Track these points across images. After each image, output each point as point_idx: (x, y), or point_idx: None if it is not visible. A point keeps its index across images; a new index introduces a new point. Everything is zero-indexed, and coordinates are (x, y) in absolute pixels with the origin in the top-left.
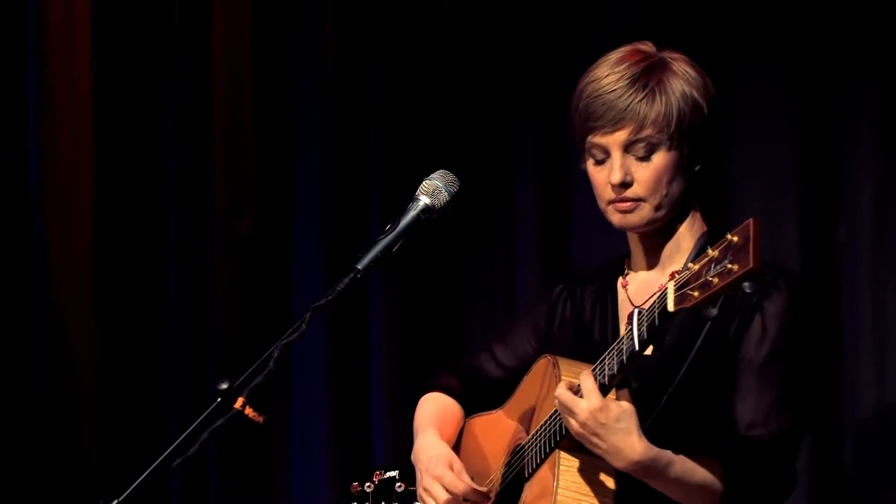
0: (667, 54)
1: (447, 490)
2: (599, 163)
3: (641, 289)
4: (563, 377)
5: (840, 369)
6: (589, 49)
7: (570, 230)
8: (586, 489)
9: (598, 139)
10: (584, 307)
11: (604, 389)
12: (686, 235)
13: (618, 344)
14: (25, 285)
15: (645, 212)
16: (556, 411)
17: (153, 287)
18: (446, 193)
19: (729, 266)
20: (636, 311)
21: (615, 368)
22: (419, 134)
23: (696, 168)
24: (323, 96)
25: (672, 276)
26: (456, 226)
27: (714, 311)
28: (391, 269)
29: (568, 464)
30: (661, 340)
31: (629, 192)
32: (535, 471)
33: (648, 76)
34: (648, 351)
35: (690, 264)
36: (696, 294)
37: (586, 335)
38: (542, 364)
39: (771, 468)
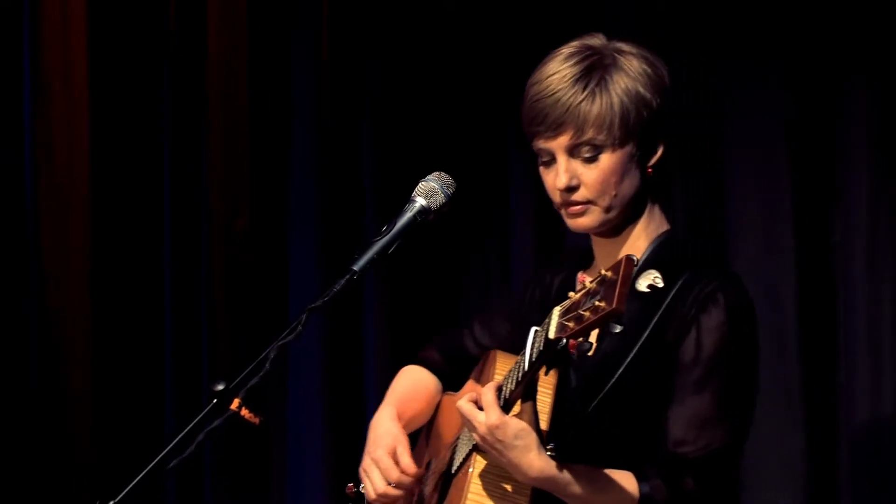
0: (617, 47)
1: (382, 474)
2: (546, 164)
3: None
4: (495, 375)
5: (835, 371)
6: None
7: (566, 230)
8: (497, 494)
9: (542, 143)
10: (550, 295)
11: (506, 404)
12: (641, 234)
13: (520, 360)
14: (20, 285)
15: (595, 214)
16: None
17: (148, 287)
18: (442, 195)
19: (597, 303)
20: (533, 330)
21: (513, 385)
22: (415, 134)
23: (650, 164)
24: (319, 96)
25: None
26: (452, 227)
27: (587, 345)
28: (387, 270)
29: (480, 467)
30: (552, 363)
31: (577, 196)
32: (459, 468)
33: (590, 75)
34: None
35: (571, 293)
36: (571, 325)
37: None
38: (487, 355)
39: (695, 487)
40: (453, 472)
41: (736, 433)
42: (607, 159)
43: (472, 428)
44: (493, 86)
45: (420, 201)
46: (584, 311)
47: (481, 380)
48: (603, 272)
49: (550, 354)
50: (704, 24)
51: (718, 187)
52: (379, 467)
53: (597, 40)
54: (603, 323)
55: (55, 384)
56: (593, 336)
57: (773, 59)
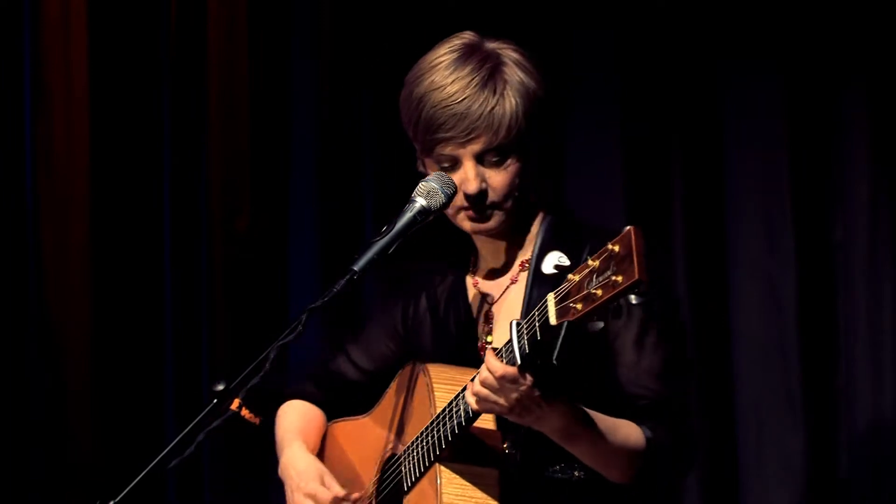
0: (494, 44)
1: None
2: (446, 170)
3: (494, 283)
4: (434, 385)
5: (835, 371)
6: (588, 50)
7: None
8: (470, 501)
9: (448, 150)
10: (439, 304)
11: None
12: (528, 220)
13: (502, 352)
14: (20, 286)
15: (499, 217)
16: (431, 424)
17: (149, 287)
18: (442, 195)
19: (613, 278)
20: (514, 323)
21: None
22: None
23: (538, 156)
24: (319, 94)
25: (522, 265)
26: (452, 226)
27: (600, 325)
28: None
29: (448, 476)
30: (548, 353)
31: (483, 200)
32: (414, 484)
33: (494, 79)
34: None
35: (571, 275)
36: (578, 307)
37: (443, 333)
38: (408, 371)
39: (682, 430)
40: (407, 488)
41: (688, 374)
42: (513, 162)
43: (497, 403)
44: None
45: (420, 201)
46: (596, 289)
47: (414, 395)
48: (610, 246)
49: (548, 342)
50: (704, 24)
51: (718, 187)
52: (317, 500)
53: (472, 37)
54: (622, 296)
55: (55, 384)
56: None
57: (773, 60)
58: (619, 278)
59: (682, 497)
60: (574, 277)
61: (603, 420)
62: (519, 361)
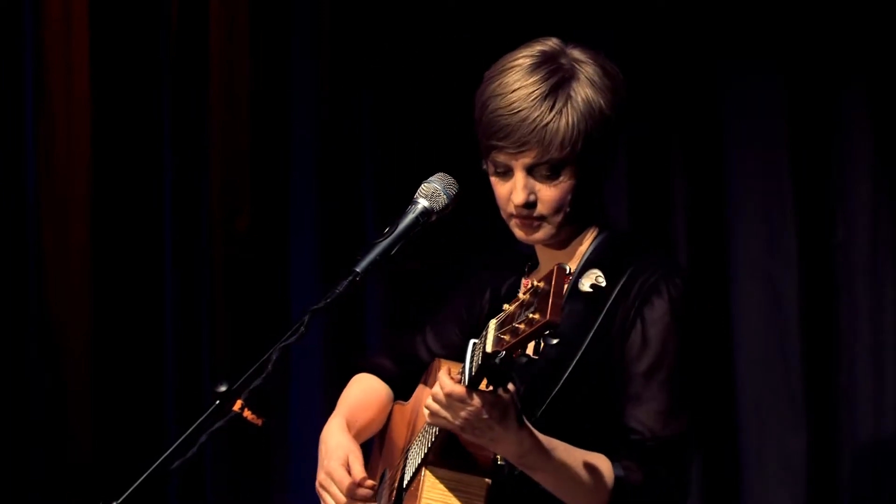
0: (575, 56)
1: (337, 486)
2: (501, 175)
3: None
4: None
5: (837, 372)
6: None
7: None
8: None
9: (501, 158)
10: (497, 301)
11: None
12: (586, 238)
13: (461, 372)
14: (20, 286)
15: (547, 230)
16: (425, 425)
17: (149, 288)
18: (445, 196)
19: (531, 315)
20: (472, 343)
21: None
22: (416, 134)
23: (600, 173)
24: (319, 94)
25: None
26: (454, 228)
27: (524, 358)
28: (389, 271)
29: (431, 481)
30: (493, 377)
31: (532, 212)
32: (410, 482)
33: (556, 93)
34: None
35: (506, 305)
36: (507, 338)
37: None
38: (431, 365)
39: (662, 473)
40: (405, 486)
41: (690, 420)
42: (565, 177)
43: (446, 419)
44: None
45: (422, 203)
46: (519, 323)
47: (426, 391)
48: (535, 283)
49: (489, 368)
50: (704, 24)
51: (718, 187)
52: (333, 479)
53: (554, 46)
54: (539, 335)
55: (55, 384)
56: (530, 348)
57: (774, 59)
58: (537, 316)
59: None
60: (509, 308)
61: (568, 452)
62: (466, 382)
